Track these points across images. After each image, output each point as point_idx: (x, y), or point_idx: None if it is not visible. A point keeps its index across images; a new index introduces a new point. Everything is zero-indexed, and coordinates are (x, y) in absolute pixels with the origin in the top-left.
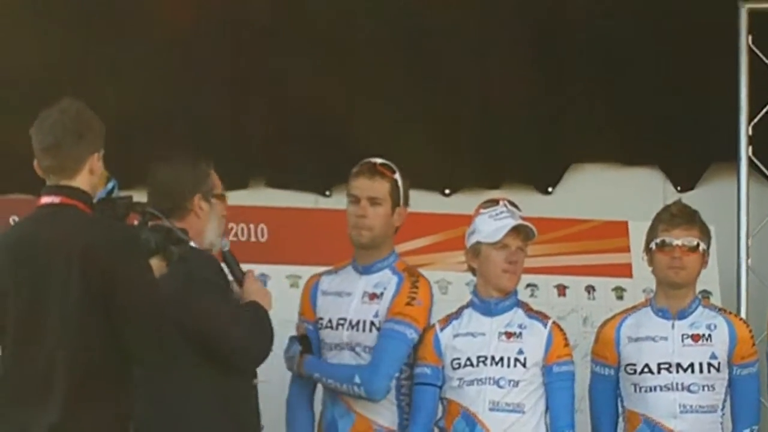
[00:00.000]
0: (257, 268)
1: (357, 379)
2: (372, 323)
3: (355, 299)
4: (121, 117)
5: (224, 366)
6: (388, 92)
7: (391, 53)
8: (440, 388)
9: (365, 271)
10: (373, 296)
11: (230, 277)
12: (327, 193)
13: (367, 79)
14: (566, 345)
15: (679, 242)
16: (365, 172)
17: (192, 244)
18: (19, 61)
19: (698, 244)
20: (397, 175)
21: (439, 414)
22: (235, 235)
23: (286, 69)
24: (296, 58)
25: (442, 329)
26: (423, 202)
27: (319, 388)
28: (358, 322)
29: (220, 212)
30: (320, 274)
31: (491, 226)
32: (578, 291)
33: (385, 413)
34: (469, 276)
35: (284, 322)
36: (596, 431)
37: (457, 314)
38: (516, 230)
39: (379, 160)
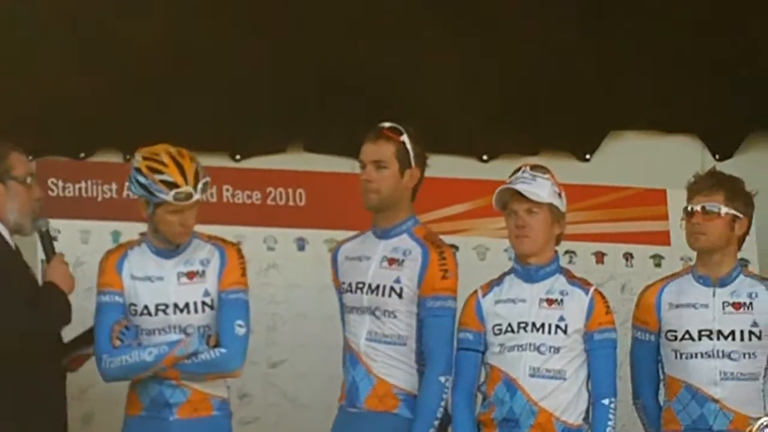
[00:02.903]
0: (295, 233)
1: (442, 379)
2: (392, 288)
3: (374, 263)
4: (154, 76)
5: None
6: (427, 57)
7: (431, 17)
8: (483, 353)
9: (383, 235)
10: (392, 261)
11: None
12: None
13: (406, 43)
14: (608, 312)
15: (698, 208)
16: (370, 137)
17: None
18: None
19: (720, 210)
20: (404, 137)
21: (482, 379)
22: (273, 199)
23: (324, 32)
24: (335, 20)
25: (484, 295)
26: (461, 168)
27: (340, 351)
28: (377, 287)
29: (22, 194)
30: (342, 242)
31: None
32: (616, 258)
33: (405, 377)
34: (507, 242)
35: (323, 287)
36: (637, 397)
37: (499, 280)
38: (516, 195)
39: (387, 124)
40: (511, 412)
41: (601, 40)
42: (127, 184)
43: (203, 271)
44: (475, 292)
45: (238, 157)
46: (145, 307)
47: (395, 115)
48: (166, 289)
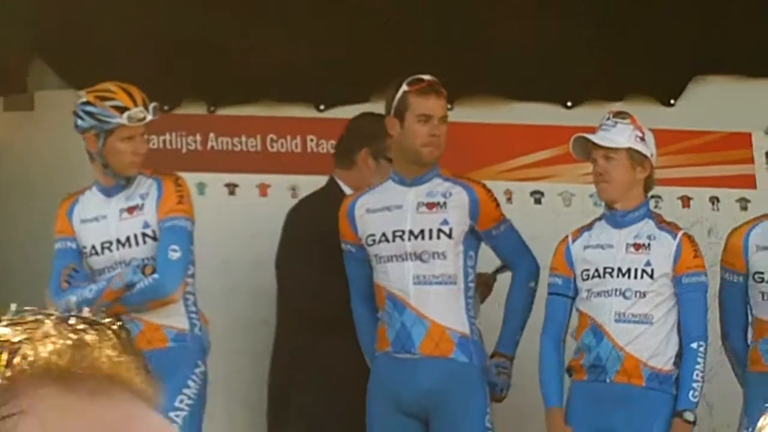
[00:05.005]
0: None
1: (532, 284)
2: (440, 230)
3: (409, 211)
4: (237, 28)
5: None
6: (511, 3)
7: None
8: (573, 299)
9: (415, 182)
10: (432, 205)
11: None
12: (448, 106)
13: None
14: (696, 256)
15: None
16: (432, 92)
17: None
18: None
19: None
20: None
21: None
22: None
23: None
24: None
25: (573, 240)
26: (545, 114)
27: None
28: (421, 231)
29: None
30: (352, 196)
31: None
32: (702, 202)
33: (457, 319)
34: (593, 188)
35: None
36: (726, 338)
37: (589, 226)
38: (593, 143)
39: (430, 78)
40: (597, 358)
41: None
42: (75, 122)
43: (142, 205)
44: (566, 237)
45: (321, 107)
46: (93, 247)
47: (481, 64)
48: (109, 226)
